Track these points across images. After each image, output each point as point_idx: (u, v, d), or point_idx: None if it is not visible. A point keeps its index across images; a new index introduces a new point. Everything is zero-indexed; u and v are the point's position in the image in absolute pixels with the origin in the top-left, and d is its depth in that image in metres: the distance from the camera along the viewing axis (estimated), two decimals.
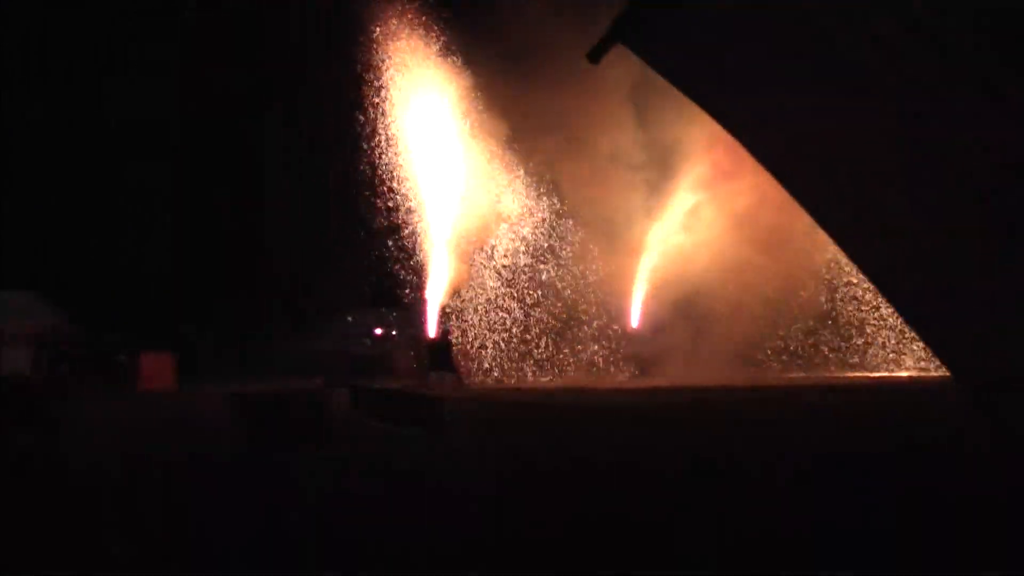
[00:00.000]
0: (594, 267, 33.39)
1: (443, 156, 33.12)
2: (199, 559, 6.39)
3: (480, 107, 32.66)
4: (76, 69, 36.62)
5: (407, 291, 33.00)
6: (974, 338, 3.45)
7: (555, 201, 33.20)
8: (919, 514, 7.24)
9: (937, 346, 3.97)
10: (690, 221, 33.52)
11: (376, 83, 33.14)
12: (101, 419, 16.55)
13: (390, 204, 33.18)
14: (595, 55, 3.71)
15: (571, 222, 33.15)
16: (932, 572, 5.69)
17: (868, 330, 33.97)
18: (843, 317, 33.96)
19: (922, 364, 31.48)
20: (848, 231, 3.93)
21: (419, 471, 10.22)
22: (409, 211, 33.06)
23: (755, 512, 7.59)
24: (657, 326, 33.44)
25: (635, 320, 34.11)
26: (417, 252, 33.11)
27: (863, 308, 33.60)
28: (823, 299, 33.66)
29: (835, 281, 33.41)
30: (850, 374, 32.03)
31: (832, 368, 33.23)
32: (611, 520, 7.39)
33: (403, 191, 33.23)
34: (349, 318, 34.06)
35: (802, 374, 32.14)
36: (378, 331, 33.94)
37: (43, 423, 14.12)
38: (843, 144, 3.63)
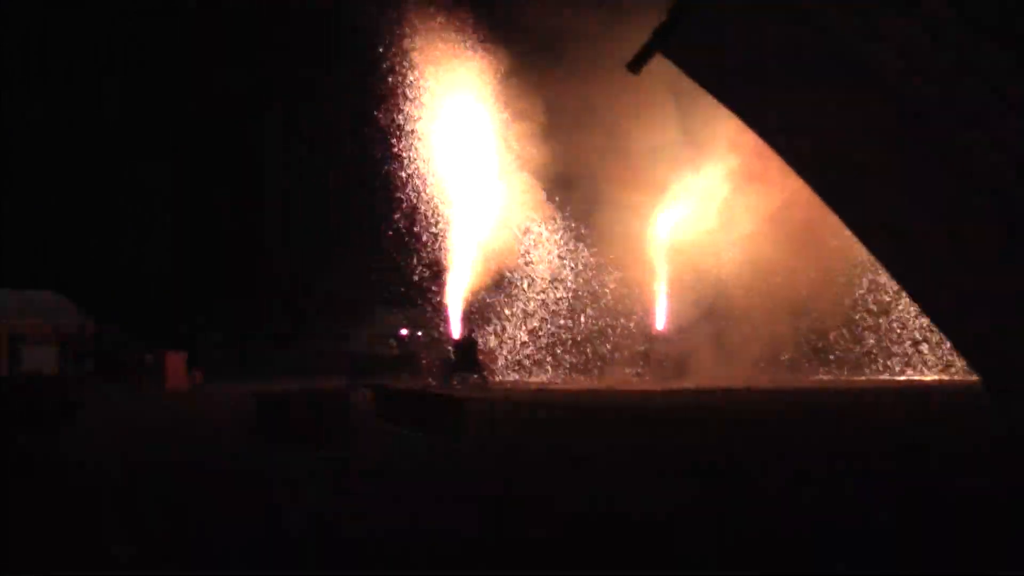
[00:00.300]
0: (618, 269, 33.60)
1: (470, 154, 33.42)
2: (215, 560, 6.55)
3: (511, 98, 32.87)
4: (101, 70, 37.31)
5: (431, 290, 33.44)
6: (1001, 340, 3.66)
7: (586, 195, 33.31)
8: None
9: (964, 348, 4.18)
10: (720, 219, 33.51)
11: (402, 78, 33.52)
12: (125, 418, 16.94)
13: (416, 204, 33.61)
14: (635, 65, 3.97)
15: (599, 219, 33.29)
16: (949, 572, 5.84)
17: (895, 332, 33.85)
18: (871, 319, 33.90)
19: (952, 367, 31.44)
20: (874, 232, 4.13)
21: (436, 474, 10.41)
22: (434, 211, 33.48)
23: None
24: (684, 326, 33.58)
25: (660, 321, 34.24)
26: (441, 251, 33.47)
27: (892, 310, 33.52)
28: (855, 298, 33.57)
29: (864, 282, 33.37)
30: (875, 377, 32.06)
31: (856, 370, 33.18)
32: (623, 520, 7.55)
33: (428, 191, 33.65)
34: (375, 319, 34.45)
35: (829, 376, 32.20)
36: (403, 332, 34.33)
37: (64, 421, 14.51)
38: (871, 148, 3.84)
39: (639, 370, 32.35)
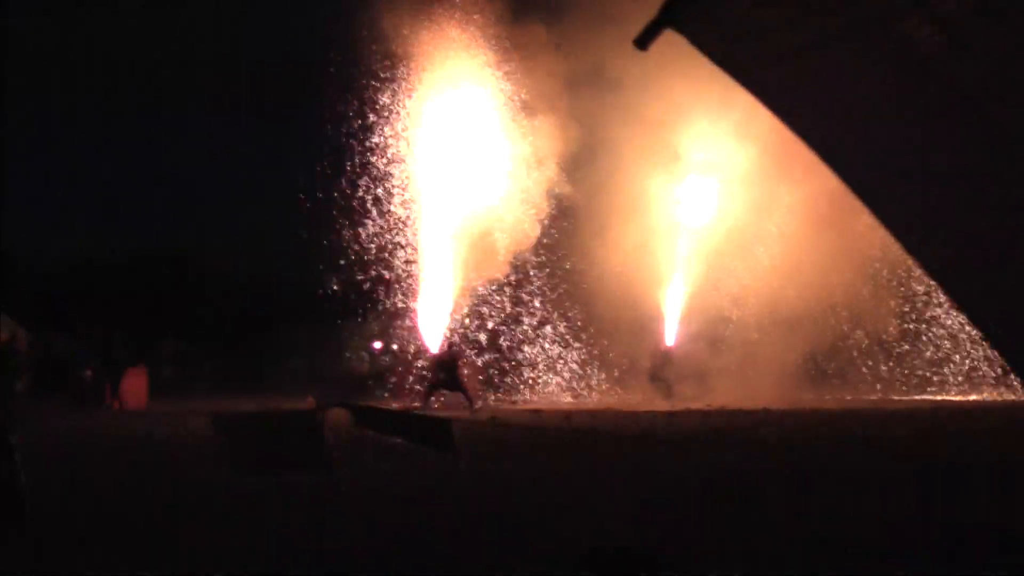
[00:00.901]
0: (622, 266, 33.28)
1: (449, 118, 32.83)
2: None
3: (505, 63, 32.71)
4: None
5: (400, 297, 33.10)
6: None
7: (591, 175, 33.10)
8: None
9: (1016, 362, 4.13)
10: (744, 217, 33.27)
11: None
12: (68, 444, 16.84)
13: (381, 191, 33.08)
14: (643, 41, 3.91)
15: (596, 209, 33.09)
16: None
17: (941, 348, 33.87)
18: (911, 334, 33.93)
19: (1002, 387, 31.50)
20: (912, 230, 4.09)
21: (424, 501, 10.44)
22: (403, 200, 33.07)
23: None
24: (695, 339, 33.56)
25: (671, 336, 34.15)
26: (416, 250, 33.08)
27: (934, 324, 33.57)
28: (892, 309, 33.58)
29: (903, 291, 33.43)
30: (917, 396, 32.08)
31: (893, 389, 33.21)
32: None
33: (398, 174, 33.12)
34: (343, 330, 34.15)
35: (865, 396, 32.22)
36: (377, 344, 34.10)
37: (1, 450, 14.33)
38: (911, 136, 3.80)
39: (645, 390, 32.15)
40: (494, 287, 33.32)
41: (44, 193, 38.90)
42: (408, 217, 33.12)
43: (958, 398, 31.84)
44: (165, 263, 41.17)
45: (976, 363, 33.35)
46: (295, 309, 35.50)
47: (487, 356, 33.52)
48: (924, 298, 33.42)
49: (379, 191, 33.05)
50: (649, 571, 6.01)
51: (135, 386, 27.15)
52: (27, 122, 36.00)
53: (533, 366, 33.99)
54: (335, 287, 33.06)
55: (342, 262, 32.85)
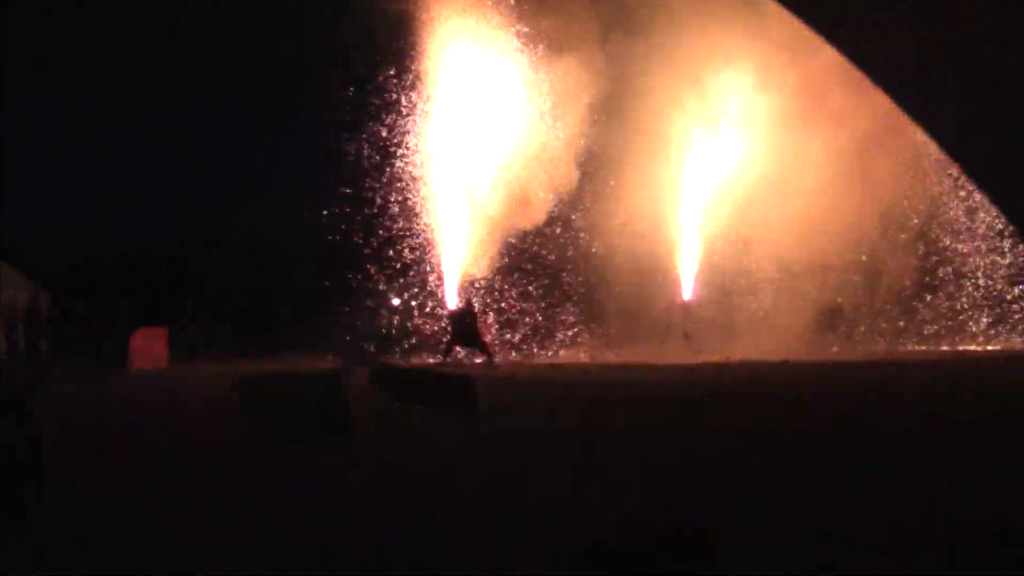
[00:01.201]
0: (642, 218, 32.85)
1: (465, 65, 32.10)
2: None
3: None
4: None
5: (418, 252, 32.80)
6: None
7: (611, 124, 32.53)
8: None
9: None
10: (767, 167, 32.61)
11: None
12: (91, 407, 16.80)
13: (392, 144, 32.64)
14: None
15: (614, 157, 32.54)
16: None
17: (970, 298, 33.36)
18: (933, 285, 33.42)
19: None
20: (981, 163, 3.84)
21: (450, 467, 10.29)
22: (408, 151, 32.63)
23: None
24: (714, 291, 33.23)
25: (691, 288, 33.82)
26: (428, 204, 32.71)
27: (957, 276, 33.05)
28: (914, 260, 33.07)
29: (925, 242, 32.93)
30: (948, 347, 31.73)
31: (926, 340, 32.83)
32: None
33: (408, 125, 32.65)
34: (363, 286, 33.81)
35: (898, 347, 31.87)
36: (396, 301, 33.83)
37: (20, 415, 14.25)
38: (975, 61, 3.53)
39: (666, 343, 31.76)
40: (513, 238, 32.85)
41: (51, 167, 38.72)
42: (425, 170, 32.71)
43: (980, 348, 31.54)
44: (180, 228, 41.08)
45: (1004, 312, 32.93)
46: (313, 266, 35.28)
47: (503, 311, 33.22)
48: (947, 251, 32.94)
49: (398, 142, 32.64)
50: (674, 549, 5.82)
51: (151, 348, 27.05)
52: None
53: (549, 320, 33.66)
54: (360, 237, 32.69)
55: (363, 213, 32.57)
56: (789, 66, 30.07)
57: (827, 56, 26.42)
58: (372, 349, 30.28)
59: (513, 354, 31.37)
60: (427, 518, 7.89)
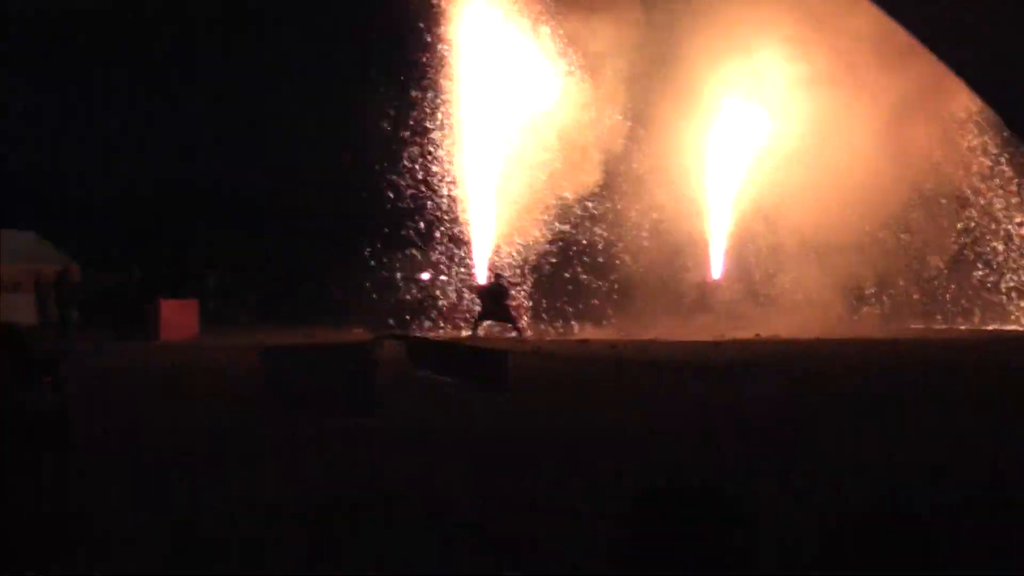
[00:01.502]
0: (670, 193, 32.48)
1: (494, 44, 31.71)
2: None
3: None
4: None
5: (448, 225, 32.59)
6: None
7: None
8: None
9: None
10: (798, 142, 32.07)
11: None
12: (118, 375, 16.79)
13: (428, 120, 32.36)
14: None
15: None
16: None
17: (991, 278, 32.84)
18: (965, 262, 32.89)
19: None
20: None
21: (473, 442, 10.20)
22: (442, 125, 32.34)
23: None
24: (744, 268, 32.95)
25: (718, 266, 33.50)
26: (458, 178, 32.45)
27: (991, 254, 32.51)
28: (947, 238, 32.58)
29: (958, 219, 32.40)
30: (989, 325, 31.26)
31: (946, 318, 32.41)
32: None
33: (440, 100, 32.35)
34: (395, 259, 33.61)
35: (936, 325, 31.41)
36: (424, 275, 33.72)
37: (50, 381, 14.22)
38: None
39: (690, 320, 31.44)
40: (541, 215, 32.49)
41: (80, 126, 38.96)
42: (453, 143, 32.46)
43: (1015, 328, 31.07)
44: (209, 192, 41.15)
45: None
46: (340, 237, 35.21)
47: (532, 287, 33.00)
48: (980, 229, 32.43)
49: (431, 114, 32.41)
50: (708, 510, 5.62)
51: (181, 318, 27.10)
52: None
53: (578, 296, 33.40)
54: (393, 202, 32.46)
55: (396, 185, 32.40)
56: (827, 38, 29.54)
57: (861, 24, 26.06)
58: (405, 320, 30.36)
59: (543, 328, 31.22)
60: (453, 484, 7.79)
